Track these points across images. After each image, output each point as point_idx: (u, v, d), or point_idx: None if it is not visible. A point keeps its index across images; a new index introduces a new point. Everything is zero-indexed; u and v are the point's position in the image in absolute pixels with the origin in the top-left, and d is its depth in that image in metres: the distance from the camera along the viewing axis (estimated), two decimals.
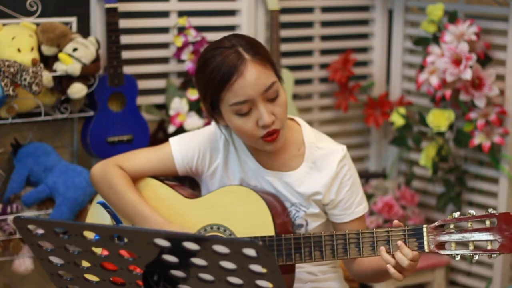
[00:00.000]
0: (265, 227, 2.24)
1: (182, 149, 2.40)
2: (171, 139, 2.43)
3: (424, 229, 2.10)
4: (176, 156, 2.40)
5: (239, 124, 2.23)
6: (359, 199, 2.36)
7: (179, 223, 2.33)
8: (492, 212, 2.03)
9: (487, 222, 2.05)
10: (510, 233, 2.03)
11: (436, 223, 2.10)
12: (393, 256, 2.12)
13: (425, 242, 2.10)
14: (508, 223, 2.03)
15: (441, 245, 2.09)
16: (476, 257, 2.06)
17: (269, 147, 2.27)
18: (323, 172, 2.34)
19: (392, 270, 2.12)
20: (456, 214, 2.08)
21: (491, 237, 2.04)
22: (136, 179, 2.42)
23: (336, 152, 2.34)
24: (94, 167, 2.45)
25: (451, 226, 2.09)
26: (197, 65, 2.27)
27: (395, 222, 2.15)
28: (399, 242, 2.11)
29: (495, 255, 2.04)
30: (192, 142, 2.40)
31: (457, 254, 2.08)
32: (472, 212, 2.06)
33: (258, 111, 2.20)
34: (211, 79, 2.19)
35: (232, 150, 2.38)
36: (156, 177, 2.43)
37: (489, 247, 2.05)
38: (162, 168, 2.41)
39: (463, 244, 2.09)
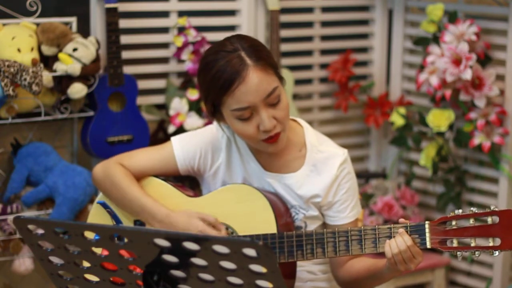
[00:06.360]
0: (267, 225, 2.24)
1: (184, 148, 2.39)
2: (172, 138, 2.42)
3: (426, 226, 2.12)
4: (178, 156, 2.39)
5: (240, 128, 2.23)
6: (353, 204, 2.36)
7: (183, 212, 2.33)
8: (494, 209, 2.05)
9: (489, 219, 2.06)
10: (511, 230, 2.04)
11: (438, 220, 2.11)
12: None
13: (427, 239, 2.11)
14: (510, 220, 2.04)
15: (443, 242, 2.10)
16: (478, 254, 2.07)
17: (270, 149, 2.27)
18: (323, 175, 2.34)
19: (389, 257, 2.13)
20: (458, 212, 2.09)
21: (492, 234, 2.05)
22: (137, 178, 2.41)
23: (337, 156, 2.35)
24: (96, 167, 2.45)
25: (453, 223, 2.10)
26: (199, 67, 2.26)
27: (401, 220, 2.16)
28: (401, 230, 2.12)
29: (496, 252, 2.05)
30: (194, 142, 2.40)
31: (459, 251, 2.09)
32: (474, 209, 2.07)
33: (260, 117, 2.20)
34: (213, 83, 2.19)
35: (235, 149, 2.38)
36: (158, 176, 2.43)
37: (490, 244, 2.06)
38: (164, 168, 2.41)
39: (465, 241, 2.10)
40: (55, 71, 3.07)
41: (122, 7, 3.31)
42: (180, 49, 3.40)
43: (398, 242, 2.12)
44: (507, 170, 3.56)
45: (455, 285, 3.88)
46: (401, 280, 3.73)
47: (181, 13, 3.49)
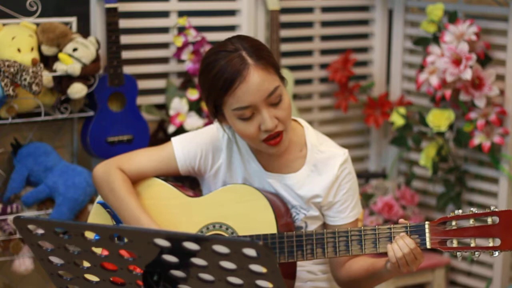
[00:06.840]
0: (268, 226, 2.24)
1: (184, 149, 2.39)
2: (173, 139, 2.42)
3: (426, 226, 2.12)
4: (178, 156, 2.39)
5: (241, 128, 2.23)
6: (354, 204, 2.36)
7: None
8: (494, 209, 2.05)
9: (489, 220, 2.06)
10: (511, 230, 2.04)
11: (438, 220, 2.11)
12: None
13: (427, 239, 2.12)
14: (510, 220, 2.04)
15: (443, 242, 2.11)
16: (478, 254, 2.07)
17: (272, 150, 2.27)
18: (323, 175, 2.34)
19: (392, 260, 2.12)
20: (458, 212, 2.09)
21: (492, 235, 2.05)
22: (138, 179, 2.41)
23: (338, 156, 2.35)
24: (97, 167, 2.44)
25: (453, 223, 2.10)
26: (200, 68, 2.26)
27: (401, 220, 2.16)
28: (402, 234, 2.12)
29: (496, 252, 2.05)
30: (194, 142, 2.40)
31: (459, 251, 2.09)
32: (474, 209, 2.07)
33: (261, 116, 2.20)
34: (214, 83, 2.19)
35: (236, 150, 2.38)
36: (159, 176, 2.43)
37: (490, 244, 2.06)
38: (164, 168, 2.41)
39: (465, 241, 2.10)
40: (55, 71, 3.07)
41: (122, 7, 3.31)
42: (180, 49, 3.40)
43: (401, 245, 2.11)
44: (507, 170, 3.56)
45: (455, 285, 3.88)
46: (401, 280, 3.73)
47: (181, 13, 3.49)
